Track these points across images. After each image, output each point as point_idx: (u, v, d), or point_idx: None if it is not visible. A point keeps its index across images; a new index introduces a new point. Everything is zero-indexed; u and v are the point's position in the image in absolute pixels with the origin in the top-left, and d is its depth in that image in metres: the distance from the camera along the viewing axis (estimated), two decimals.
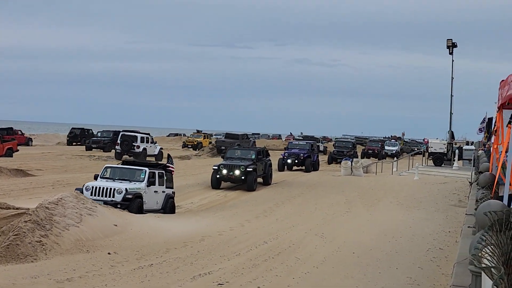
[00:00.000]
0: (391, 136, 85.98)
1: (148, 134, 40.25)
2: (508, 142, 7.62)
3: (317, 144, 45.53)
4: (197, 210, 20.03)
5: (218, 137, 60.81)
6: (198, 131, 66.04)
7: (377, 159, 44.95)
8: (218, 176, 25.29)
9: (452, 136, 40.80)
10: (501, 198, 7.54)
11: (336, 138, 72.48)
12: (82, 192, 15.82)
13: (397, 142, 61.39)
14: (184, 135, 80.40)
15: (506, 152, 7.85)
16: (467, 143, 51.00)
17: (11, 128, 49.23)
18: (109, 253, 11.86)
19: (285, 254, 12.25)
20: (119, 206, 16.15)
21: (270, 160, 28.32)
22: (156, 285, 9.63)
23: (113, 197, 16.51)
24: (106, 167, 18.39)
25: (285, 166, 35.18)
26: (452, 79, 40.10)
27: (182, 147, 57.91)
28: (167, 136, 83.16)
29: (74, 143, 52.21)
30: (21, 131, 51.41)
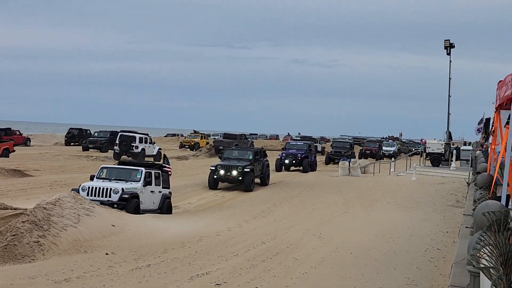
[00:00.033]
0: (389, 136, 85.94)
1: (147, 134, 40.22)
2: (506, 143, 7.63)
3: (315, 144, 45.52)
4: (195, 211, 20.02)
5: (216, 137, 60.86)
6: (195, 132, 66.10)
7: (374, 160, 45.01)
8: (215, 176, 25.28)
9: (449, 136, 40.80)
10: (499, 199, 7.54)
11: (334, 139, 72.45)
12: (78, 193, 15.80)
13: (395, 143, 61.37)
14: (182, 135, 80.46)
15: (504, 152, 7.86)
16: (465, 144, 50.99)
17: (9, 128, 49.30)
18: (107, 254, 11.86)
19: (283, 254, 12.26)
20: (115, 206, 16.13)
21: (267, 161, 28.31)
22: (154, 285, 9.63)
23: (110, 197, 16.50)
24: (102, 168, 18.37)
25: (283, 167, 35.18)
26: (449, 80, 40.10)
27: (179, 148, 57.96)
28: (164, 136, 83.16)
29: (72, 144, 52.17)
30: (19, 131, 51.46)
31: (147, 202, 17.58)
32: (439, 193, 23.51)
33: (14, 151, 36.46)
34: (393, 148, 56.55)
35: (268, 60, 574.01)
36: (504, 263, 3.43)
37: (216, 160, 30.85)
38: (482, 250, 3.69)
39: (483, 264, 3.46)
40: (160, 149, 40.84)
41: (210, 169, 25.65)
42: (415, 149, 55.16)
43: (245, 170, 25.12)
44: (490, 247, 3.60)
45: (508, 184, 7.34)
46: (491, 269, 3.21)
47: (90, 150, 43.72)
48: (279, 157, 35.70)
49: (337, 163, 36.93)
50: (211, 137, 66.47)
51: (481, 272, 3.67)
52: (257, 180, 26.71)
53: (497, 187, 9.06)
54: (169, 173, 19.68)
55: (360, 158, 45.06)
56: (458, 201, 20.89)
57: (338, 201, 21.44)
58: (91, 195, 16.36)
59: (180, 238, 13.86)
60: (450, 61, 40.05)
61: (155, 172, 18.27)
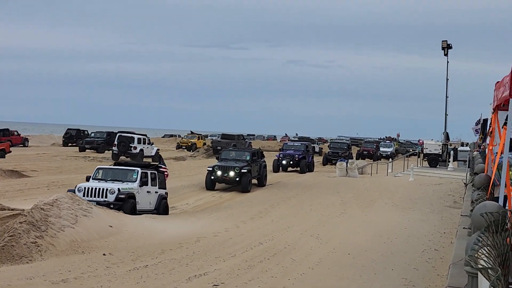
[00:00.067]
0: (386, 137, 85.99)
1: (145, 135, 40.19)
2: (504, 143, 7.64)
3: (312, 145, 45.52)
4: (192, 211, 20.02)
5: (214, 138, 60.83)
6: (192, 132, 66.10)
7: (372, 160, 45.04)
8: (212, 177, 25.24)
9: (447, 137, 40.81)
10: (496, 199, 7.56)
11: (331, 139, 72.49)
12: (74, 193, 15.78)
13: (392, 143, 61.42)
14: (179, 136, 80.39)
15: (502, 153, 7.87)
16: (462, 144, 51.02)
17: (7, 129, 49.26)
18: (104, 254, 11.85)
19: (281, 255, 12.26)
20: (112, 206, 16.11)
21: (265, 161, 28.31)
22: (151, 286, 9.62)
23: (106, 197, 16.48)
24: (98, 168, 18.37)
25: (280, 167, 35.19)
26: (447, 80, 40.09)
27: (176, 148, 57.92)
28: (162, 137, 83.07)
29: (69, 144, 52.07)
30: (17, 132, 51.45)
31: (144, 202, 17.58)
32: (437, 194, 23.54)
33: (10, 152, 36.41)
34: (390, 149, 56.60)
35: (266, 61, 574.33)
36: (502, 264, 3.43)
37: (213, 161, 30.83)
38: (480, 251, 3.69)
39: (481, 265, 3.46)
40: (158, 149, 40.81)
41: (207, 170, 25.61)
42: (412, 150, 55.23)
43: (243, 171, 25.09)
44: (488, 248, 3.60)
45: (505, 185, 7.35)
46: (489, 270, 3.21)
47: (86, 150, 43.62)
48: (277, 158, 35.70)
49: (335, 164, 36.92)
50: (209, 137, 66.46)
51: (479, 273, 3.67)
52: (255, 181, 26.70)
53: (495, 188, 9.07)
54: (166, 174, 19.67)
55: (357, 158, 45.09)
56: (455, 202, 20.93)
57: (336, 202, 21.45)
58: (87, 196, 16.34)
59: (178, 239, 13.85)
60: (448, 62, 40.08)
61: (151, 173, 18.27)
